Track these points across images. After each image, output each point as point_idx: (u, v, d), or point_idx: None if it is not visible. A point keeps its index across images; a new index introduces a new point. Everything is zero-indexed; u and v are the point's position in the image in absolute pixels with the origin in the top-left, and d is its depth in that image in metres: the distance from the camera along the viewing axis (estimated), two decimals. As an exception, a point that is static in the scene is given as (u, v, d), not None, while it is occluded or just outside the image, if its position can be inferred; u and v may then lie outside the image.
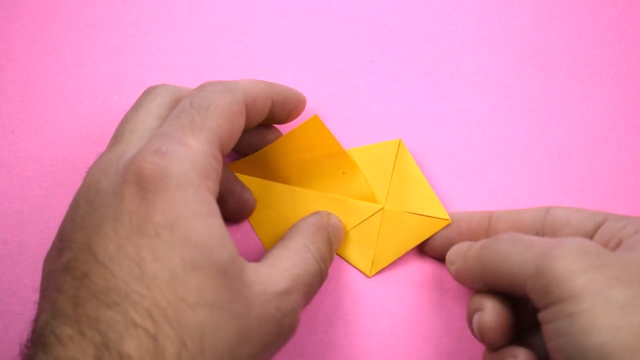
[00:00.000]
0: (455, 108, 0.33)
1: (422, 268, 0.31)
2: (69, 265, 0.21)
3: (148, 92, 0.26)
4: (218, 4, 0.34)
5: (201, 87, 0.25)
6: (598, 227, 0.26)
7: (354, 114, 0.33)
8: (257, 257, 0.31)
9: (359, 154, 0.31)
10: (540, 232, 0.27)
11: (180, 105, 0.24)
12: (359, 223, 0.30)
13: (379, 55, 0.34)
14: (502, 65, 0.33)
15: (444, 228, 0.30)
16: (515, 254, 0.24)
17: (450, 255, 0.28)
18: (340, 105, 0.33)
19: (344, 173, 0.31)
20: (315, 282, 0.26)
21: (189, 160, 0.22)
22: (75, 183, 0.31)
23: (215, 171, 0.23)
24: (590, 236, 0.26)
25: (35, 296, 0.23)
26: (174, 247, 0.21)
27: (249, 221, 0.31)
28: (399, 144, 0.31)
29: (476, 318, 0.25)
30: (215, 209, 0.22)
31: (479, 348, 0.29)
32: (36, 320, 0.22)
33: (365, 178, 0.31)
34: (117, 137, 0.25)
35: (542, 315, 0.22)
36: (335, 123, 0.32)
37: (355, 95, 0.33)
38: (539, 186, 0.31)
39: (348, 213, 0.30)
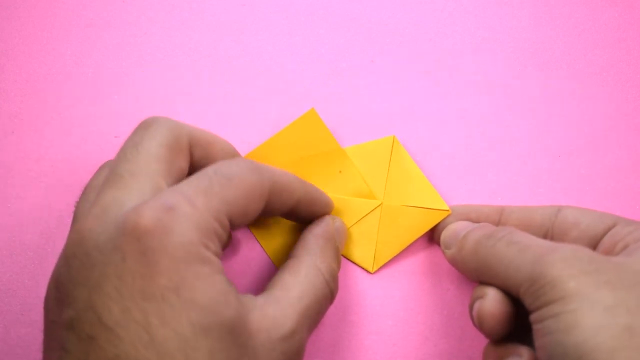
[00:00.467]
0: (455, 108, 0.33)
1: (422, 268, 0.31)
2: (73, 324, 0.20)
3: (147, 127, 0.25)
4: (218, 4, 0.34)
5: (232, 160, 0.24)
6: (607, 230, 0.26)
7: (354, 114, 0.33)
8: (255, 255, 0.31)
9: (354, 152, 0.31)
10: (549, 231, 0.27)
11: (205, 170, 0.23)
12: (359, 220, 0.30)
13: (379, 55, 0.34)
14: (502, 65, 0.33)
15: (451, 220, 0.30)
16: (510, 256, 0.24)
17: (445, 237, 0.29)
18: (340, 105, 0.33)
19: (340, 171, 0.31)
20: (325, 306, 0.26)
21: (194, 219, 0.21)
22: (75, 183, 0.31)
23: (217, 236, 0.22)
24: (599, 239, 0.26)
25: (36, 301, 0.23)
26: (181, 311, 0.20)
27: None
28: (393, 140, 0.31)
29: (477, 305, 0.25)
30: (217, 265, 0.22)
31: (478, 348, 0.29)
32: None
33: (361, 175, 0.31)
34: (115, 177, 0.23)
35: (532, 317, 0.23)
36: (336, 123, 0.32)
37: (355, 95, 0.33)
38: (539, 186, 0.31)
39: (347, 211, 0.30)
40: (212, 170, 0.23)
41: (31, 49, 0.34)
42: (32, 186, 0.31)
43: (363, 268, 0.30)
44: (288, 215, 0.28)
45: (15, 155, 0.32)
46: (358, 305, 0.30)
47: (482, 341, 0.29)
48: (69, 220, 0.31)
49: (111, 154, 0.32)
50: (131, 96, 0.33)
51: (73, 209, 0.31)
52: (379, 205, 0.30)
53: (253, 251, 0.31)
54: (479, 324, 0.25)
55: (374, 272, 0.30)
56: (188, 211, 0.21)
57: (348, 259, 0.31)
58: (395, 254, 0.30)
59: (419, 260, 0.31)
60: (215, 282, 0.21)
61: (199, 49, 0.34)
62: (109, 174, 0.23)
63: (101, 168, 0.27)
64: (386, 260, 0.30)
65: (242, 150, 0.32)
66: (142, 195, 0.22)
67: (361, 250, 0.30)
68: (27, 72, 0.33)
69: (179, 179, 0.24)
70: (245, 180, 0.23)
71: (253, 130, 0.32)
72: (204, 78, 0.33)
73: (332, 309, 0.30)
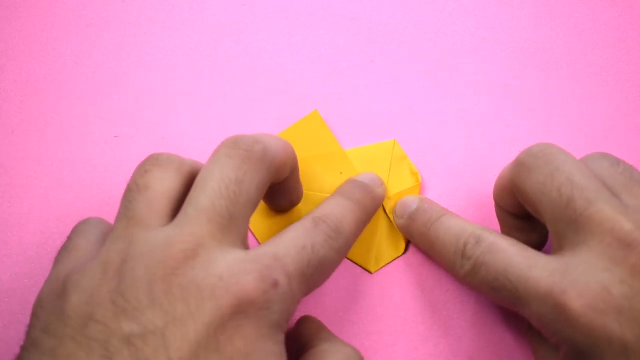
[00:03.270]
0: (455, 108, 0.33)
1: (422, 268, 0.31)
2: (131, 340, 0.20)
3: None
4: (218, 4, 0.34)
5: (328, 242, 0.24)
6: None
7: (354, 114, 0.33)
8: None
9: (355, 155, 0.31)
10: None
11: (307, 237, 0.24)
12: None
13: (379, 55, 0.34)
14: (502, 65, 0.33)
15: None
16: (447, 239, 0.27)
17: (397, 208, 0.30)
18: (340, 105, 0.33)
19: (341, 173, 0.31)
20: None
21: (287, 302, 0.21)
22: (75, 183, 0.31)
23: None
24: None
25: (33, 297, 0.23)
26: None
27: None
28: (394, 144, 0.31)
29: None
30: (283, 348, 0.22)
31: (478, 348, 0.29)
32: None
33: (364, 178, 0.31)
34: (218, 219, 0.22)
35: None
36: (335, 123, 0.32)
37: (355, 95, 0.33)
38: (539, 186, 0.31)
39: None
40: (311, 246, 0.23)
41: (31, 49, 0.34)
42: (32, 186, 0.31)
43: (363, 268, 0.30)
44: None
45: (15, 155, 0.32)
46: (358, 305, 0.30)
47: (482, 341, 0.29)
48: (69, 220, 0.31)
49: (111, 154, 0.32)
50: (131, 96, 0.33)
51: (73, 209, 0.31)
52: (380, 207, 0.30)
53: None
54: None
55: (374, 273, 0.30)
56: (286, 292, 0.21)
57: (348, 259, 0.31)
58: (395, 257, 0.30)
59: (419, 260, 0.31)
60: None
61: (199, 49, 0.34)
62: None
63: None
64: (387, 262, 0.30)
65: (242, 150, 0.32)
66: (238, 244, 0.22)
67: (361, 250, 0.30)
68: (27, 72, 0.33)
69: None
70: (333, 268, 0.24)
71: (252, 130, 0.32)
72: (204, 78, 0.33)
73: (332, 310, 0.30)
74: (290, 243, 0.23)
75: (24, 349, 0.21)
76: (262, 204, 0.31)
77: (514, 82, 0.33)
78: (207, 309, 0.20)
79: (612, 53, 0.34)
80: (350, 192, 0.27)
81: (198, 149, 0.32)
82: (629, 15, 0.34)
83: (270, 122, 0.32)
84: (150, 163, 0.24)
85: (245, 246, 0.23)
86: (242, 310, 0.20)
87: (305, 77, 0.33)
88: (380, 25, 0.34)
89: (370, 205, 0.28)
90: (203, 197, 0.22)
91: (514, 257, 0.23)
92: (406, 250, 0.31)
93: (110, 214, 0.30)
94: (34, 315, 0.22)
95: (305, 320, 0.28)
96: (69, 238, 0.26)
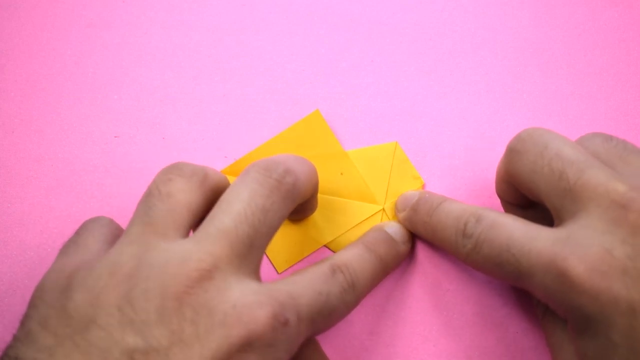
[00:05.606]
0: (455, 108, 0.33)
1: (422, 268, 0.31)
2: (134, 356, 0.19)
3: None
4: (218, 4, 0.34)
5: (344, 291, 0.24)
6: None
7: (354, 114, 0.33)
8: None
9: (356, 156, 0.31)
10: None
11: (324, 281, 0.24)
12: (359, 223, 0.30)
13: (379, 55, 0.34)
14: (502, 65, 0.33)
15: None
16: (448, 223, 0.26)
17: (398, 202, 0.30)
18: (339, 105, 0.33)
19: (342, 174, 0.31)
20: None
21: (293, 342, 0.22)
22: (75, 183, 0.31)
23: None
24: None
25: None
26: None
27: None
28: (395, 146, 0.31)
29: None
30: None
31: (478, 348, 0.29)
32: None
33: (363, 179, 0.31)
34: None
35: None
36: (335, 123, 0.32)
37: (354, 95, 0.33)
38: (539, 186, 0.31)
39: (347, 213, 0.30)
40: (326, 294, 0.23)
41: (31, 49, 0.34)
42: (32, 186, 0.31)
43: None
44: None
45: (15, 155, 0.32)
46: (358, 305, 0.30)
47: (481, 341, 0.29)
48: (69, 220, 0.31)
49: (111, 154, 0.32)
50: (131, 96, 0.33)
51: (73, 209, 0.31)
52: (380, 210, 0.30)
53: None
54: None
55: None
56: (294, 333, 0.21)
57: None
58: None
59: (419, 260, 0.31)
60: None
61: (199, 49, 0.34)
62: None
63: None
64: None
65: (241, 150, 0.32)
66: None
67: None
68: (27, 72, 0.33)
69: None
70: (339, 319, 0.24)
71: (252, 130, 0.32)
72: (204, 78, 0.33)
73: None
74: (307, 285, 0.23)
75: (17, 339, 0.20)
76: None
77: (514, 82, 0.33)
78: (216, 336, 0.20)
79: (612, 53, 0.34)
80: (375, 244, 0.27)
81: (198, 149, 0.32)
82: (629, 15, 0.34)
83: (270, 122, 0.32)
84: (174, 172, 0.23)
85: (258, 277, 0.23)
86: (250, 343, 0.20)
87: (305, 77, 0.33)
88: (380, 25, 0.34)
89: (392, 262, 0.28)
90: (227, 218, 0.22)
91: (515, 231, 0.23)
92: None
93: (110, 214, 0.30)
94: (33, 305, 0.21)
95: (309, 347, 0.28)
96: (77, 233, 0.25)
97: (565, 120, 0.33)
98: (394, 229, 0.29)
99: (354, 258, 0.25)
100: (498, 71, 0.33)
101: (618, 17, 0.34)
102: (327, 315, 0.23)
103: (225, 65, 0.33)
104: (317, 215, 0.30)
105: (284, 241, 0.30)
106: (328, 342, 0.30)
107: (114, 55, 0.34)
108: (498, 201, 0.31)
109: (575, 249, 0.21)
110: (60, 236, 0.31)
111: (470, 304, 0.30)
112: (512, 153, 0.25)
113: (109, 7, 0.34)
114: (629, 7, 0.34)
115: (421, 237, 0.30)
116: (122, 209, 0.31)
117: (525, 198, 0.26)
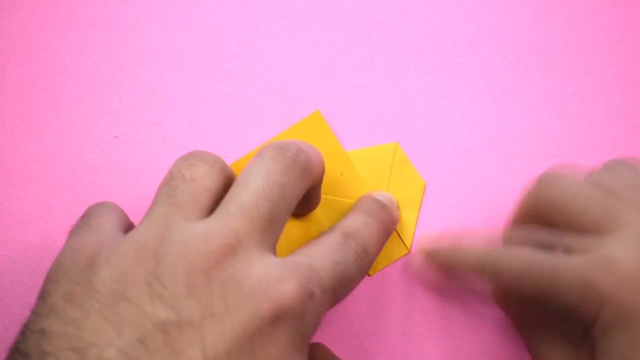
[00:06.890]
0: (455, 108, 0.33)
1: (422, 268, 0.31)
2: (143, 341, 0.19)
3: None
4: (218, 4, 0.34)
5: (356, 261, 0.24)
6: None
7: (354, 114, 0.33)
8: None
9: (356, 156, 0.31)
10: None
11: (345, 254, 0.24)
12: None
13: (379, 55, 0.34)
14: (502, 65, 0.33)
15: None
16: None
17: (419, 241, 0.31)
18: (339, 105, 0.33)
19: (342, 174, 0.31)
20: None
21: (319, 314, 0.22)
22: (75, 183, 0.31)
23: None
24: None
25: (35, 301, 0.22)
26: None
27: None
28: (395, 147, 0.31)
29: None
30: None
31: (478, 348, 0.29)
32: None
33: (363, 179, 0.31)
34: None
35: None
36: (335, 123, 0.32)
37: (354, 95, 0.33)
38: (539, 186, 0.31)
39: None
40: (343, 263, 0.23)
41: (31, 49, 0.34)
42: (32, 186, 0.31)
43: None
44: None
45: (15, 155, 0.32)
46: (358, 305, 0.30)
47: (482, 341, 0.29)
48: (69, 221, 0.31)
49: (111, 154, 0.32)
50: (131, 96, 0.33)
51: (73, 209, 0.31)
52: None
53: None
54: None
55: (373, 274, 0.30)
56: (319, 305, 0.21)
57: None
58: (393, 260, 0.30)
59: (419, 260, 0.31)
60: None
61: (199, 49, 0.34)
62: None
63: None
64: (385, 265, 0.30)
65: (241, 150, 0.32)
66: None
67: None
68: (27, 72, 0.33)
69: None
70: (354, 286, 0.24)
71: (252, 130, 0.32)
72: (204, 78, 0.33)
73: (331, 310, 0.30)
74: (325, 257, 0.23)
75: (37, 313, 0.20)
76: None
77: (514, 82, 0.33)
78: (245, 310, 0.20)
79: (612, 53, 0.34)
80: (374, 210, 0.27)
81: (198, 149, 0.32)
82: (629, 15, 0.34)
83: (270, 122, 0.32)
84: (196, 158, 0.24)
85: (275, 253, 0.23)
86: (279, 317, 0.20)
87: (305, 77, 0.33)
88: (380, 25, 0.34)
89: (389, 228, 0.28)
90: (246, 196, 0.22)
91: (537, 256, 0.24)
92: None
93: (110, 214, 0.30)
94: (53, 280, 0.21)
95: (317, 348, 0.27)
96: (87, 215, 0.25)
97: (565, 120, 0.33)
98: (384, 196, 0.29)
99: (361, 225, 0.26)
100: (498, 71, 0.33)
101: (618, 17, 0.34)
102: (346, 284, 0.23)
103: (225, 65, 0.33)
104: (317, 215, 0.30)
105: (284, 241, 0.30)
106: (328, 342, 0.30)
107: (114, 55, 0.34)
108: (498, 200, 0.31)
109: (602, 262, 0.22)
110: (61, 236, 0.31)
111: (471, 304, 0.30)
112: (547, 179, 0.26)
113: (109, 7, 0.34)
114: (629, 7, 0.34)
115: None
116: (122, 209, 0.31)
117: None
